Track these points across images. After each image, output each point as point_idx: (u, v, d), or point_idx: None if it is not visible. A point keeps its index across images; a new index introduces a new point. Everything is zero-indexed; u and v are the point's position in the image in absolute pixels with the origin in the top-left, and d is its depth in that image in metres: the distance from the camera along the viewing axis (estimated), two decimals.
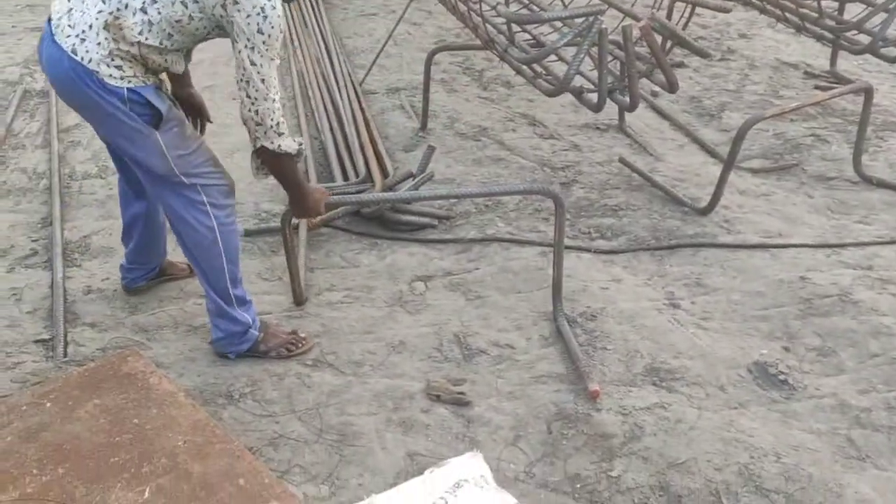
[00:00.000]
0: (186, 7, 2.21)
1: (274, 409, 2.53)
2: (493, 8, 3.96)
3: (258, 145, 2.38)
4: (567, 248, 3.50)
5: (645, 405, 2.59)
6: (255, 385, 2.63)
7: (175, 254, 3.12)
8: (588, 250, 3.53)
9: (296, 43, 5.73)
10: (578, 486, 2.31)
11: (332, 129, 4.48)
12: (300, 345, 2.80)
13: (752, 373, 2.78)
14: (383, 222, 3.69)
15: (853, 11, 4.52)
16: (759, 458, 2.39)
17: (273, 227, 3.60)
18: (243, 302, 2.68)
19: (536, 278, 3.28)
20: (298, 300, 3.03)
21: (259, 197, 3.88)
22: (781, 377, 2.74)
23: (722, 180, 3.72)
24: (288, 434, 2.43)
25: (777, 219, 3.86)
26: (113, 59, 2.22)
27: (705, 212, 3.82)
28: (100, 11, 2.21)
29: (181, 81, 2.67)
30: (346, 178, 4.01)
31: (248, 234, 3.56)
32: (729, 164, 3.68)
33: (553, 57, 3.82)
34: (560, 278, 3.03)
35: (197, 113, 2.82)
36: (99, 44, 2.21)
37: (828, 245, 3.57)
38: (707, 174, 4.26)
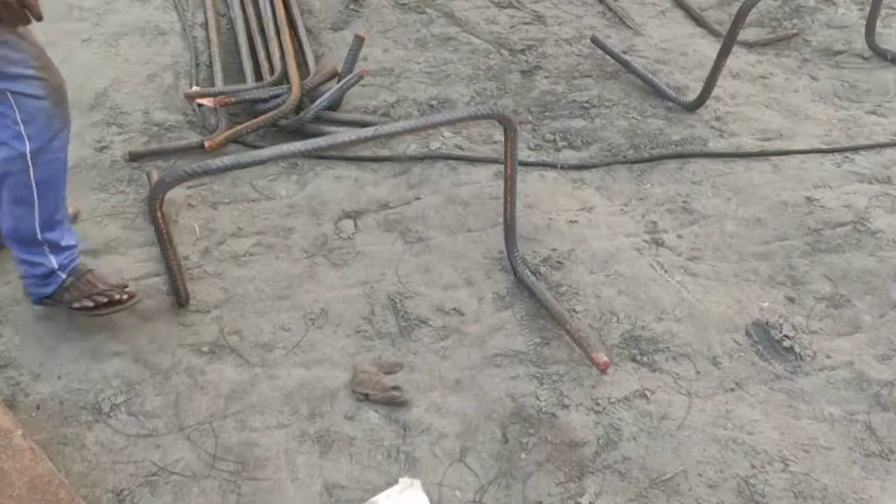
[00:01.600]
0: None
1: (155, 426, 2.00)
2: None
3: None
4: (528, 164, 2.89)
5: (622, 395, 2.10)
6: (131, 389, 2.08)
7: None
8: (554, 166, 2.92)
9: None
10: None
11: (243, 2, 3.65)
12: (115, 301, 2.19)
13: (752, 336, 2.29)
14: (305, 135, 3.01)
15: None
16: (763, 468, 1.94)
17: (168, 147, 2.91)
18: (58, 247, 2.13)
19: (491, 211, 2.68)
20: (181, 301, 2.33)
21: (149, 103, 3.14)
22: (786, 342, 2.26)
23: (716, 70, 3.05)
24: (171, 465, 1.91)
25: (777, 112, 3.23)
26: None
27: (693, 107, 3.18)
28: None
29: None
30: (259, 76, 3.26)
31: (134, 157, 2.87)
32: (726, 48, 2.99)
33: None
34: (514, 220, 2.44)
35: None
36: None
37: (837, 149, 2.99)
38: (695, 52, 3.57)
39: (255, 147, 2.96)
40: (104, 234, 2.55)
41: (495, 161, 2.90)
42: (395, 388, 2.09)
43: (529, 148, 3.01)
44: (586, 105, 3.22)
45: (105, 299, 2.18)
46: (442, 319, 2.33)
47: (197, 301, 2.34)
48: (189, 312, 2.31)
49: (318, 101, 2.98)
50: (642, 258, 2.53)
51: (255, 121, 2.94)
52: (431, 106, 3.22)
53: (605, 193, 2.82)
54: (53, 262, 2.13)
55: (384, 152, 2.97)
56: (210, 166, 2.02)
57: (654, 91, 3.28)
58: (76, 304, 2.17)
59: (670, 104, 3.23)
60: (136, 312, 2.28)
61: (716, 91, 3.17)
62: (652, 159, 2.94)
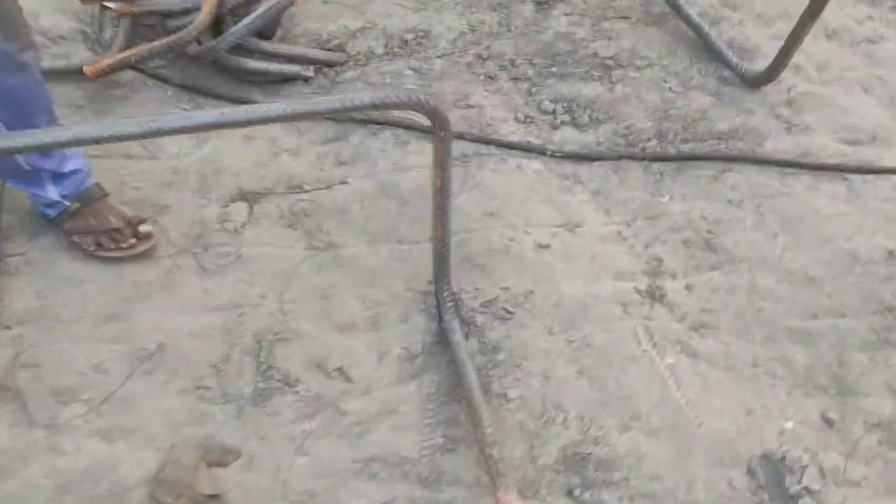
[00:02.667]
0: None
1: None
2: None
3: None
4: (505, 145, 2.11)
5: None
6: None
7: None
8: (542, 152, 2.12)
9: None
10: None
11: None
12: (119, 246, 1.84)
13: (756, 478, 1.55)
14: (221, 69, 2.27)
15: None
16: None
17: (69, 67, 2.22)
18: (58, 175, 1.78)
19: None
20: None
21: (41, 2, 2.42)
22: (804, 501, 1.52)
23: (800, 28, 2.11)
24: None
25: (878, 100, 2.31)
26: None
27: (759, 82, 2.28)
28: None
29: None
30: None
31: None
32: (814, 12, 2.06)
33: None
34: (446, 248, 1.69)
35: None
36: None
37: None
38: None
39: (156, 80, 2.25)
40: None
41: (466, 138, 2.12)
42: (214, 497, 1.47)
43: (517, 120, 2.20)
44: (610, 62, 2.35)
45: (110, 241, 1.82)
46: (318, 383, 1.66)
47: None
48: None
49: (237, 26, 2.21)
50: (627, 320, 1.78)
51: (152, 44, 2.21)
52: (405, 42, 2.41)
53: (602, 202, 2.02)
54: (54, 193, 1.80)
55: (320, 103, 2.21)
56: None
57: (708, 50, 2.38)
58: (76, 238, 1.84)
59: (727, 73, 2.33)
60: None
61: (797, 58, 2.25)
62: (680, 158, 2.11)
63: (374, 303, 1.80)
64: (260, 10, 2.21)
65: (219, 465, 1.52)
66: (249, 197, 1.99)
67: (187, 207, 1.96)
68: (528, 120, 2.20)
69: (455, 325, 1.72)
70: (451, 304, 1.75)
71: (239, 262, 1.86)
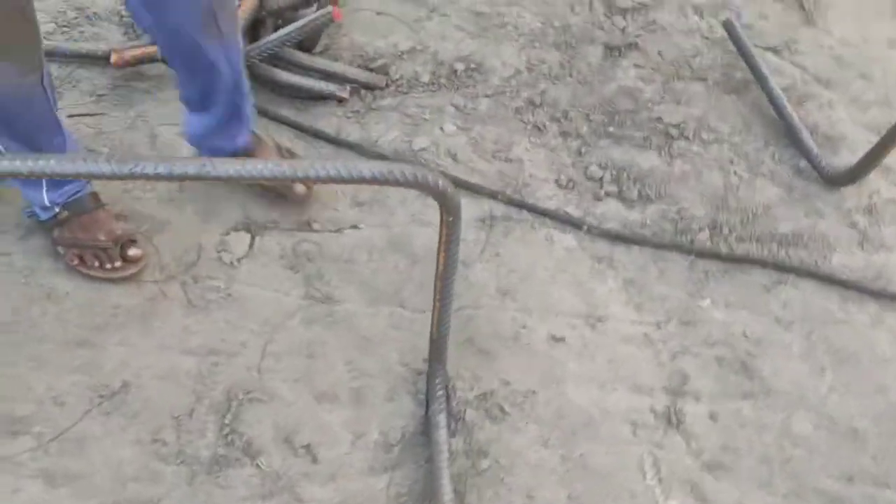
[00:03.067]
0: None
1: None
2: None
3: None
4: (540, 212, 1.91)
5: None
6: None
7: None
8: (578, 227, 1.91)
9: None
10: None
11: None
12: (103, 266, 1.70)
13: None
14: (252, 76, 2.12)
15: None
16: None
17: (66, 49, 2.10)
18: (58, 183, 1.67)
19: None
20: None
21: None
22: None
23: (894, 134, 1.86)
24: None
25: None
26: None
27: (839, 181, 2.03)
28: None
29: None
30: None
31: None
32: None
33: None
34: (444, 334, 1.52)
35: None
36: None
37: None
38: (889, 74, 2.33)
39: None
40: None
41: (494, 197, 1.93)
42: None
43: (559, 183, 1.99)
44: (674, 131, 2.12)
45: (94, 259, 1.69)
46: (281, 459, 1.51)
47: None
48: None
49: (274, 35, 2.05)
50: (635, 444, 1.58)
51: None
52: (454, 72, 2.21)
53: (634, 295, 1.81)
54: (47, 199, 1.68)
55: (350, 133, 2.04)
56: None
57: (787, 133, 2.13)
58: (60, 250, 1.72)
59: (804, 163, 2.08)
60: None
61: (890, 159, 1.99)
62: (731, 259, 1.88)
63: (361, 373, 1.64)
64: (301, 22, 2.05)
65: None
66: (253, 228, 1.84)
67: (187, 229, 1.82)
68: (571, 185, 1.99)
69: (441, 419, 1.54)
70: (441, 393, 1.57)
71: (228, 301, 1.72)
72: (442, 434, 1.52)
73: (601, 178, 2.01)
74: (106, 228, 1.71)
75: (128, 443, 1.51)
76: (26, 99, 1.48)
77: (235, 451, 1.51)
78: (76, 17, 2.21)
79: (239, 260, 1.79)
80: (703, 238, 1.91)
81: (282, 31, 2.03)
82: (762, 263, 1.87)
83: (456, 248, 1.37)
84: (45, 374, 1.57)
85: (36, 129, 1.54)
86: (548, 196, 1.96)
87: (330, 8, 2.03)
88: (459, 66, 2.23)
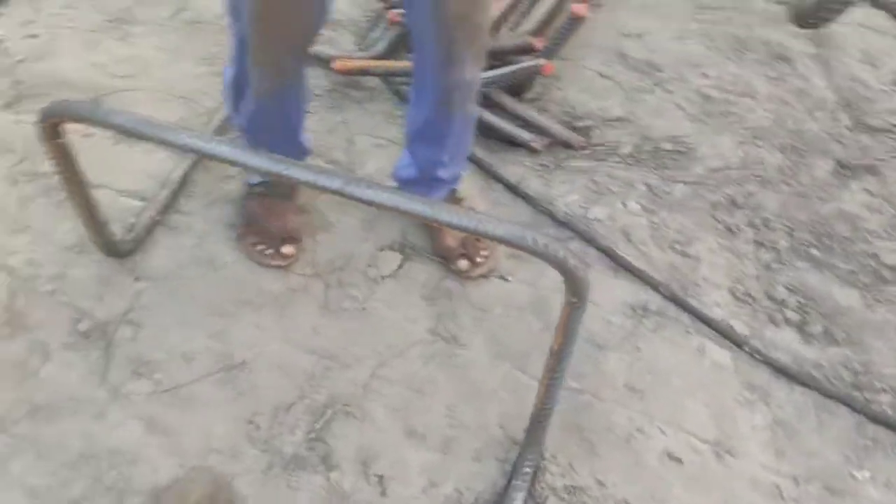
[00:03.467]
0: None
1: None
2: None
3: None
4: (703, 320, 1.75)
5: None
6: None
7: None
8: (740, 346, 1.72)
9: None
10: None
11: None
12: (256, 249, 1.81)
13: None
14: None
15: None
16: None
17: (322, 54, 2.27)
18: None
19: (581, 355, 1.66)
20: (114, 251, 1.77)
21: None
22: None
23: None
24: None
25: None
26: None
27: None
28: None
29: None
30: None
31: None
32: None
33: None
34: (547, 413, 1.42)
35: None
36: None
37: None
38: None
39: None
40: None
41: (657, 290, 1.79)
42: None
43: (733, 293, 1.81)
44: (888, 274, 1.85)
45: (253, 237, 1.81)
46: (352, 481, 1.50)
47: (136, 261, 1.79)
48: (117, 271, 1.77)
49: (484, 74, 2.07)
50: None
51: (389, 63, 2.16)
52: (658, 150, 2.11)
53: (780, 439, 1.59)
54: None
55: (534, 181, 2.01)
56: (106, 118, 1.36)
57: None
58: (236, 219, 1.87)
59: None
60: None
61: None
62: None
63: (458, 423, 1.59)
64: (511, 68, 2.06)
65: None
66: (406, 251, 1.86)
67: (347, 235, 1.89)
68: (747, 299, 1.81)
69: (519, 497, 1.45)
70: (528, 470, 1.48)
71: (360, 313, 1.75)
72: None
73: (783, 302, 1.80)
74: (282, 219, 1.82)
75: (227, 417, 1.58)
76: (285, 97, 1.60)
77: (314, 458, 1.53)
78: None
79: (383, 277, 1.81)
80: (885, 401, 1.64)
81: (490, 73, 2.05)
82: None
83: (575, 329, 1.29)
84: (184, 330, 1.69)
85: (283, 128, 1.68)
86: (716, 303, 1.79)
87: (542, 61, 2.02)
88: (667, 146, 2.12)
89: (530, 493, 1.48)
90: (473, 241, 1.80)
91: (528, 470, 1.49)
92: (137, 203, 1.89)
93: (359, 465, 1.53)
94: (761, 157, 2.11)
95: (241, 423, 1.57)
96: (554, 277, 1.81)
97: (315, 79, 2.20)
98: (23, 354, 1.61)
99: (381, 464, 1.53)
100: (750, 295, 1.81)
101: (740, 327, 1.75)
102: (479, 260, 1.79)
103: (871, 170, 2.08)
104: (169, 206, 1.89)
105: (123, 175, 1.95)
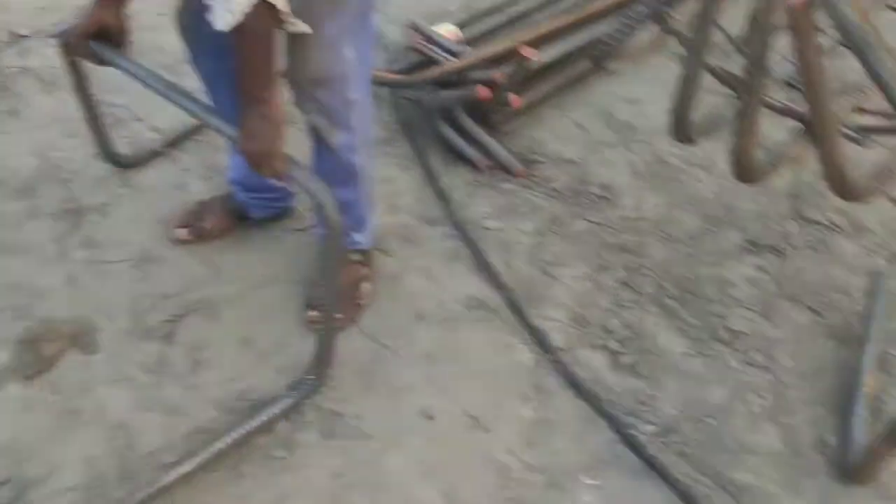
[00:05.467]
0: None
1: None
2: None
3: None
4: (521, 318, 1.97)
5: None
6: None
7: None
8: (546, 352, 1.88)
9: None
10: None
11: None
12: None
13: None
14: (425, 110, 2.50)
15: None
16: None
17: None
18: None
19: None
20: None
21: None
22: None
23: None
24: None
25: None
26: None
27: None
28: None
29: None
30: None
31: None
32: None
33: None
34: (328, 339, 1.72)
35: None
36: None
37: None
38: None
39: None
40: None
41: (499, 290, 2.00)
42: None
43: (571, 317, 1.96)
44: (727, 336, 1.91)
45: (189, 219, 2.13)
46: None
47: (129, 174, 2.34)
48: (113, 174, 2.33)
49: (441, 93, 2.42)
50: None
51: (397, 77, 2.56)
52: (586, 192, 2.30)
53: (537, 432, 1.73)
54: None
55: (460, 193, 2.29)
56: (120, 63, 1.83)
57: None
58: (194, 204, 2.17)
59: None
60: None
61: None
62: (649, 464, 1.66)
63: (281, 342, 1.92)
64: (457, 92, 2.38)
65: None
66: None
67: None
68: (581, 322, 1.96)
69: (287, 402, 1.75)
70: (306, 387, 1.78)
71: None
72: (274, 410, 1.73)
73: (612, 332, 1.93)
74: (217, 217, 2.12)
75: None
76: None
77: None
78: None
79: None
80: (647, 431, 1.72)
81: (445, 93, 2.39)
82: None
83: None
84: (136, 224, 2.19)
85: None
86: (548, 317, 1.96)
87: (480, 89, 2.31)
88: (595, 190, 2.31)
89: (298, 403, 1.77)
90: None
91: (306, 386, 1.78)
92: (155, 136, 2.45)
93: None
94: (680, 220, 2.23)
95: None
96: None
97: None
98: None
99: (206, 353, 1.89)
100: (586, 319, 1.96)
101: (557, 341, 1.91)
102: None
103: (777, 252, 2.12)
104: (173, 145, 2.42)
105: (158, 112, 2.50)
